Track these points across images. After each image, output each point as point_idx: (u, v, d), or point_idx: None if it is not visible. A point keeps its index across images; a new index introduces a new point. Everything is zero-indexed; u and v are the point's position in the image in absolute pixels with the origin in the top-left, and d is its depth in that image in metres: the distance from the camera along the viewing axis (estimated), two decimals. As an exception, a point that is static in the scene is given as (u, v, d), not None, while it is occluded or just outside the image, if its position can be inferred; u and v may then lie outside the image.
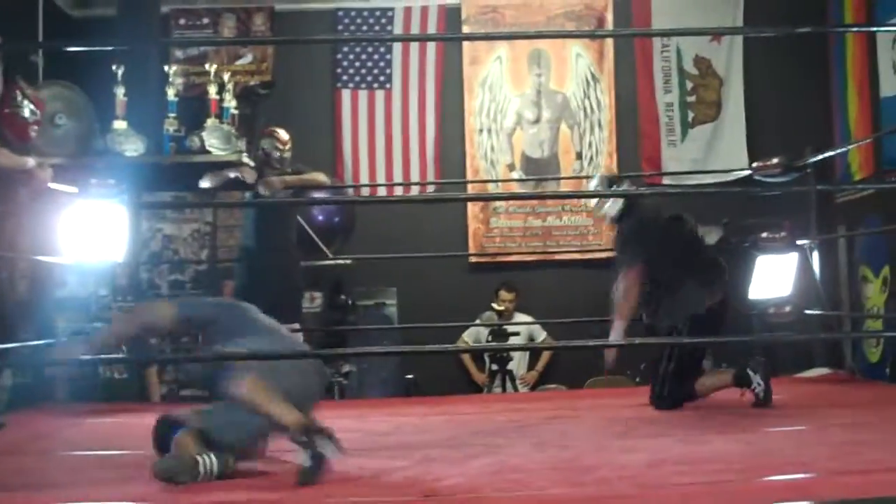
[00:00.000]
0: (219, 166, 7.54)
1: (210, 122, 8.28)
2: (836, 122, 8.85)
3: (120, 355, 6.46)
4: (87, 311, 7.63)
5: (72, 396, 6.66)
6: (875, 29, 8.40)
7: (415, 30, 9.54)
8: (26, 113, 5.93)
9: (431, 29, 9.52)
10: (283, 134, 7.23)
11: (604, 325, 8.27)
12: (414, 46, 9.54)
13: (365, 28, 9.54)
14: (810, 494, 3.14)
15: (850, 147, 8.34)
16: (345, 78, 9.56)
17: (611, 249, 9.08)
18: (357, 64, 9.56)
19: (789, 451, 4.05)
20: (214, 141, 8.08)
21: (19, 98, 5.93)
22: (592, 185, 6.14)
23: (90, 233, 5.80)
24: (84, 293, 7.70)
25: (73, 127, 8.05)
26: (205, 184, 7.10)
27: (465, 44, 9.57)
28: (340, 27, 9.50)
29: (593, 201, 6.07)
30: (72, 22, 9.24)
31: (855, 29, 9.05)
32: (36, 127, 6.08)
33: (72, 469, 4.15)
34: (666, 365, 5.71)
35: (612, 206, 5.89)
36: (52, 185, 5.94)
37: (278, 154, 7.15)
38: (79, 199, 6.13)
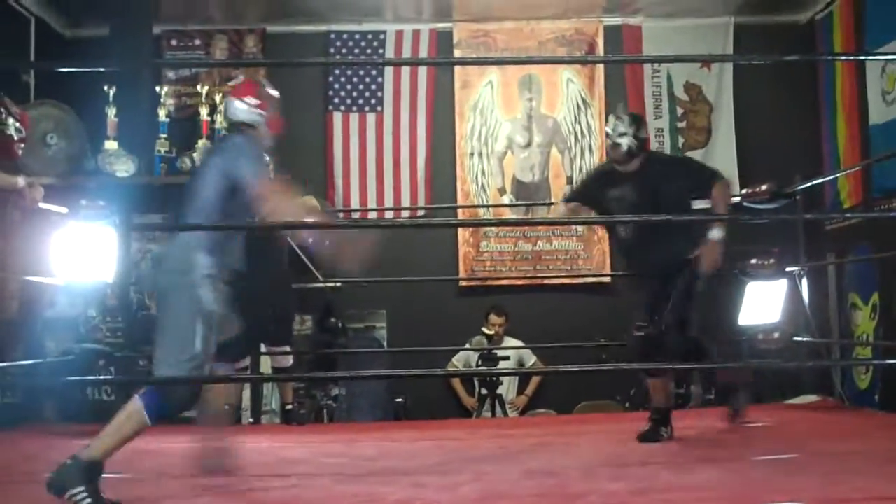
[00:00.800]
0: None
1: (201, 143, 8.32)
2: (826, 150, 8.89)
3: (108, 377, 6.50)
4: (76, 331, 7.62)
5: (60, 417, 6.64)
6: (864, 57, 8.45)
7: (406, 53, 9.56)
8: (11, 130, 5.89)
9: (423, 53, 9.55)
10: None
11: (590, 351, 8.31)
12: (405, 70, 9.56)
13: (357, 51, 9.57)
14: (798, 523, 3.14)
15: (839, 174, 8.38)
16: (336, 100, 9.57)
17: (598, 274, 9.21)
18: (349, 87, 9.58)
19: (776, 480, 4.05)
20: (206, 162, 8.08)
21: (3, 115, 5.90)
22: (610, 122, 5.87)
23: (80, 253, 5.80)
24: (73, 313, 7.68)
25: (64, 147, 8.07)
26: None
27: (457, 68, 9.60)
28: (332, 50, 9.52)
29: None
30: (64, 42, 9.24)
31: (843, 57, 9.11)
32: (22, 144, 6.04)
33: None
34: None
35: (633, 142, 5.73)
36: (43, 206, 5.94)
37: None
38: (69, 219, 6.14)
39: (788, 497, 3.59)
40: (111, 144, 8.15)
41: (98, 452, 3.71)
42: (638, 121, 5.80)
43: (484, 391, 8.28)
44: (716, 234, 5.46)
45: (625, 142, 5.62)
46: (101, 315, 7.72)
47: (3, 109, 5.95)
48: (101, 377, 6.58)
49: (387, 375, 9.02)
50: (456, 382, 9.04)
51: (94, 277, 6.00)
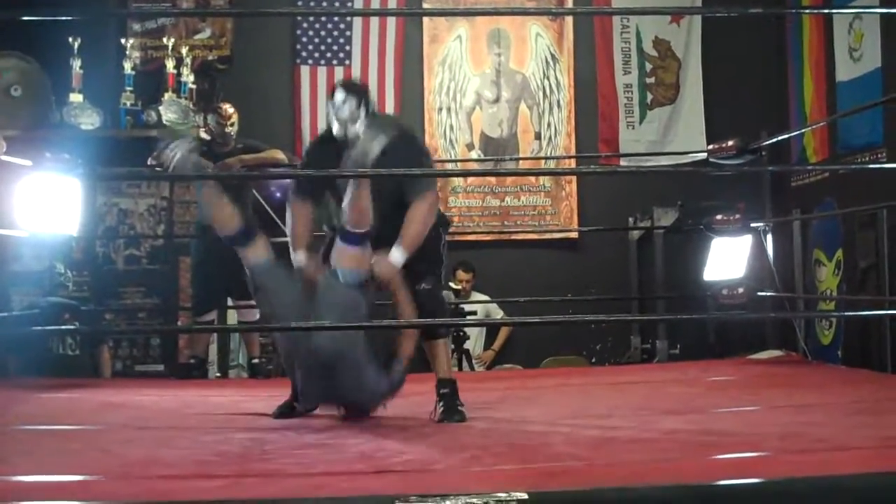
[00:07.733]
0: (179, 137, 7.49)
1: (167, 96, 8.25)
2: (793, 106, 8.92)
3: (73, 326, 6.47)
4: (41, 285, 7.58)
5: (24, 371, 6.62)
6: (830, 11, 8.47)
7: (376, 5, 9.52)
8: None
9: (392, 5, 9.51)
10: (227, 109, 7.14)
11: (556, 306, 8.33)
12: (374, 24, 9.50)
13: (325, 4, 9.51)
14: (757, 472, 3.17)
15: (805, 130, 8.42)
16: (304, 54, 9.51)
17: (566, 229, 9.23)
18: (317, 40, 9.52)
19: (739, 431, 4.08)
20: (171, 115, 8.05)
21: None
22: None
23: (45, 206, 5.75)
24: (39, 267, 7.65)
25: (28, 99, 7.99)
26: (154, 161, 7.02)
27: (426, 22, 9.55)
28: (300, 2, 9.46)
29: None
30: (28, -8, 9.12)
31: (808, 11, 9.11)
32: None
33: (24, 443, 4.12)
34: None
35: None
36: (6, 158, 5.89)
37: (220, 129, 7.09)
38: (33, 172, 6.08)
39: (749, 447, 3.63)
40: (76, 97, 8.08)
41: None
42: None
43: (451, 346, 8.29)
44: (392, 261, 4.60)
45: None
46: (67, 269, 7.68)
47: None
48: (67, 328, 6.54)
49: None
50: (423, 336, 9.05)
51: (59, 230, 5.95)
